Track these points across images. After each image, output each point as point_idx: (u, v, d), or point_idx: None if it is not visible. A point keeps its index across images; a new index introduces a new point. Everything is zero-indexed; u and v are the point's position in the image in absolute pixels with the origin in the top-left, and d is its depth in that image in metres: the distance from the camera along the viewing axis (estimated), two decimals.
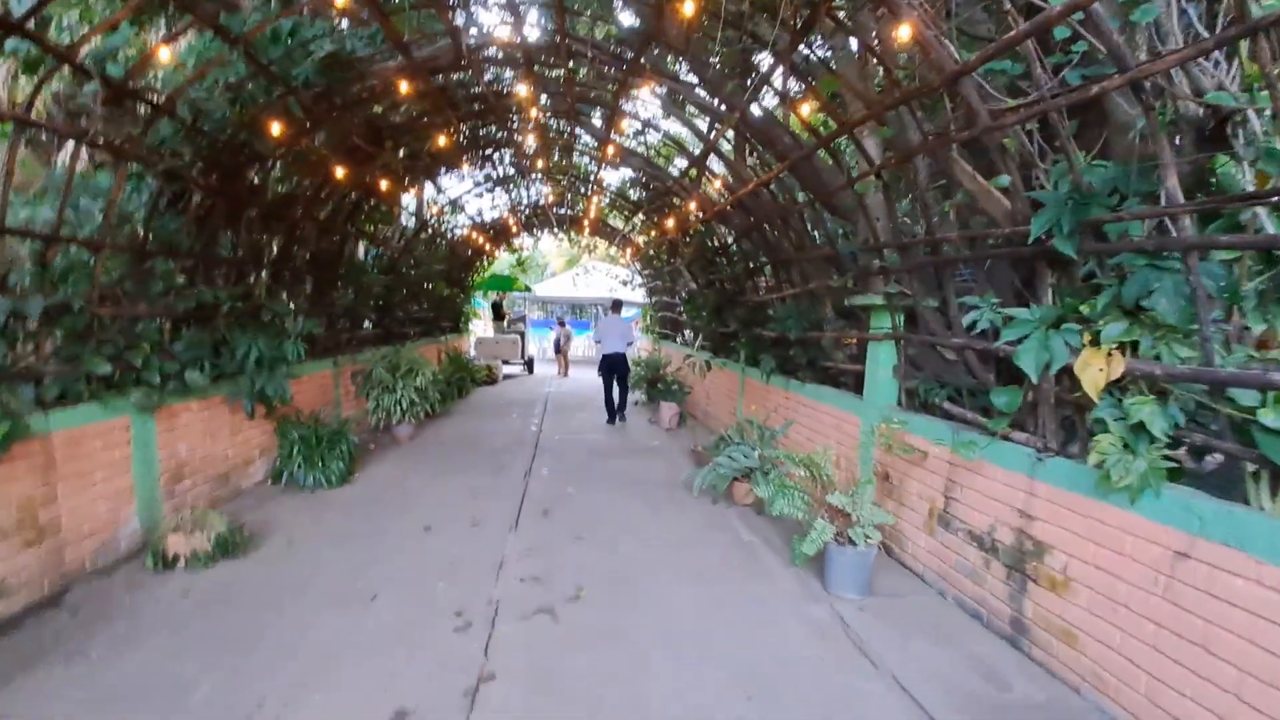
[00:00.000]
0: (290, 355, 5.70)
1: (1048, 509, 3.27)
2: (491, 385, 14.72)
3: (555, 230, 16.10)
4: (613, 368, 9.83)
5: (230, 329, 5.54)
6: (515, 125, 7.64)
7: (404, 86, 5.20)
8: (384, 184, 7.54)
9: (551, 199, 12.49)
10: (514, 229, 14.96)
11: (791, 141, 5.67)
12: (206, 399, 5.38)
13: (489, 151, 8.86)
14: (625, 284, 16.53)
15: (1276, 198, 2.42)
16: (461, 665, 3.18)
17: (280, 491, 5.99)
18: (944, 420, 4.17)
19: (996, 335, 3.38)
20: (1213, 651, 2.41)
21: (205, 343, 5.21)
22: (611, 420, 10.04)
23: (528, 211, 13.94)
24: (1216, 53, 2.76)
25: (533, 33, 5.90)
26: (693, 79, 6.60)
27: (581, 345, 20.99)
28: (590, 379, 15.57)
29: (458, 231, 13.02)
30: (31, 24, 3.27)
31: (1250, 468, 2.43)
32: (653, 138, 9.51)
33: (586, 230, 15.12)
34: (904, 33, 3.04)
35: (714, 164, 7.53)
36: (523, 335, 17.54)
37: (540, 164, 8.87)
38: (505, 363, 16.48)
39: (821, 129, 5.29)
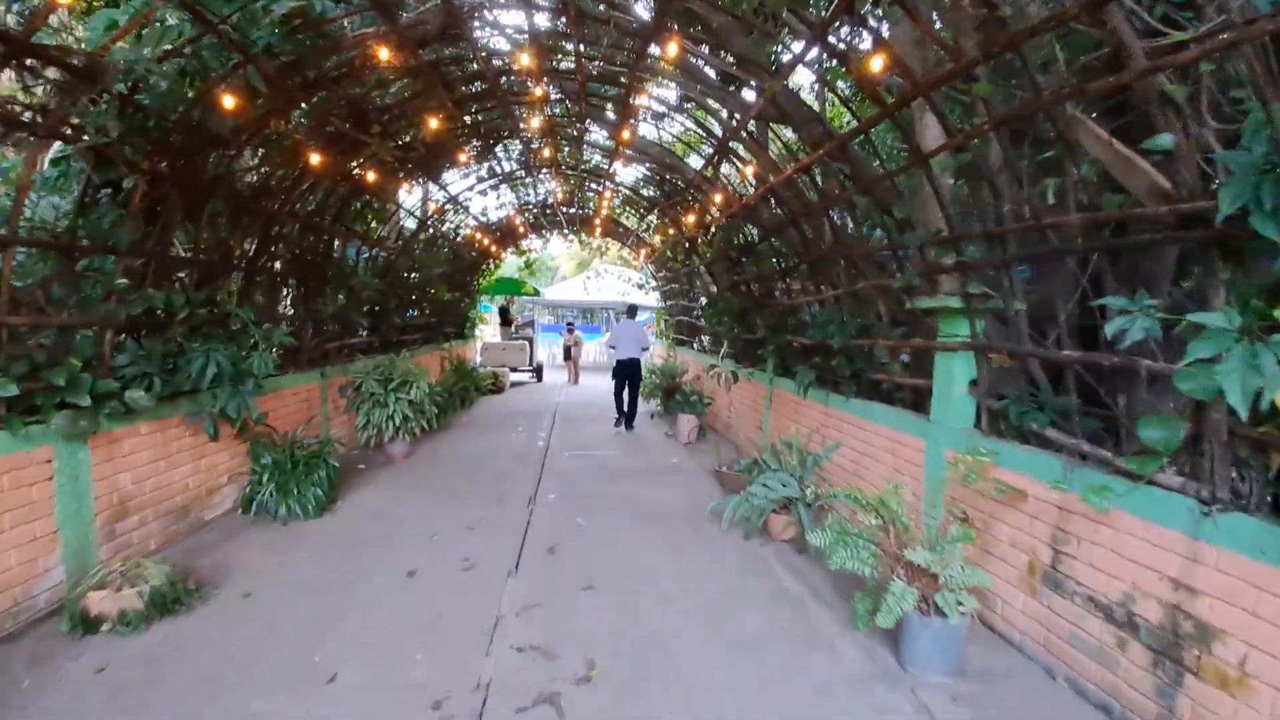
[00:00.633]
0: (257, 369, 4.95)
1: (1219, 581, 2.43)
2: (498, 394, 13.98)
3: (565, 231, 15.37)
4: (627, 374, 9.73)
5: (189, 339, 4.82)
6: (520, 111, 6.88)
7: (385, 54, 4.44)
8: (375, 177, 6.82)
9: (561, 197, 11.73)
10: (521, 230, 14.23)
11: (822, 130, 4.89)
12: (160, 420, 4.64)
13: (491, 142, 8.08)
14: (640, 287, 15.74)
15: None
16: None
17: (249, 523, 5.24)
18: (1047, 451, 3.33)
19: (1110, 345, 2.57)
20: None
21: (155, 356, 4.47)
22: (619, 424, 9.87)
23: (535, 211, 13.21)
24: None
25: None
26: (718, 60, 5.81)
27: (592, 351, 20.21)
28: (601, 387, 14.83)
29: (461, 232, 12.30)
30: None
31: None
32: (670, 131, 8.74)
33: (598, 231, 14.36)
34: None
35: (736, 160, 6.75)
36: (531, 341, 16.78)
37: (547, 153, 8.05)
38: (513, 370, 15.73)
39: (859, 115, 4.49)
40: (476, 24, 5.37)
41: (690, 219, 8.31)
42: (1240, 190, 2.11)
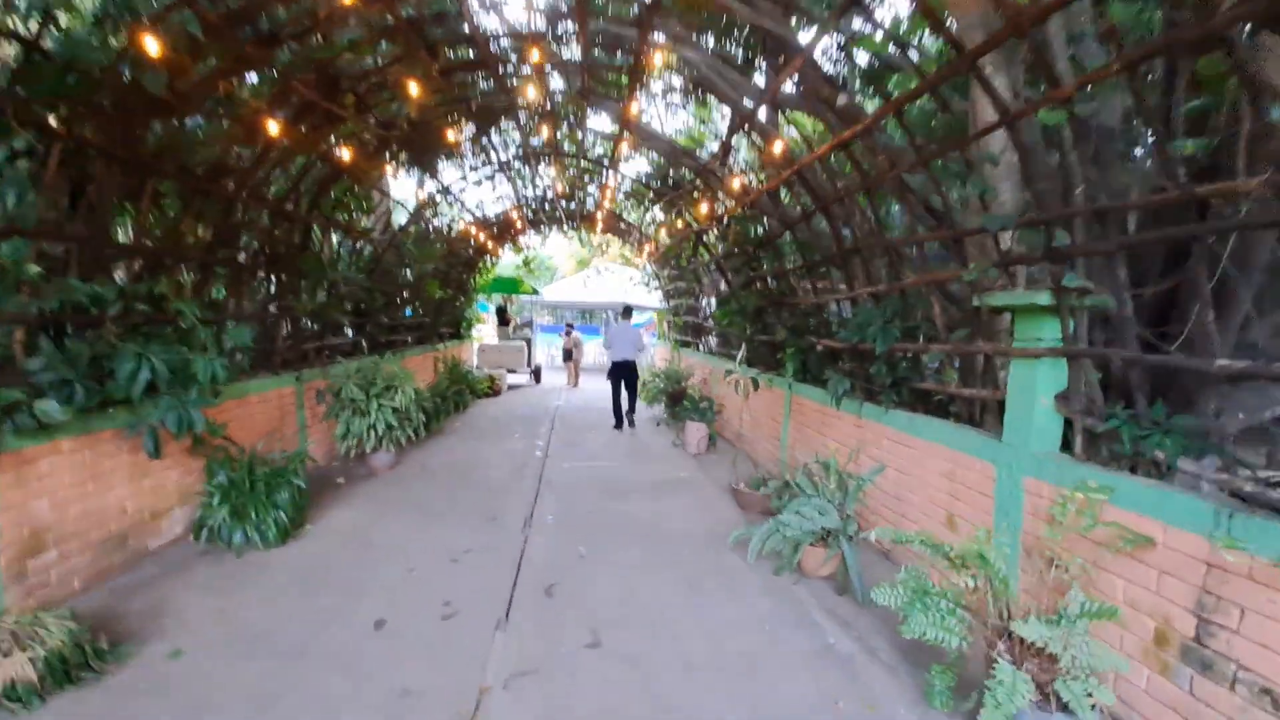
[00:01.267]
0: (202, 374, 4.22)
1: None
2: (495, 397, 13.27)
3: (564, 228, 14.64)
4: (623, 375, 9.73)
5: (127, 340, 4.10)
6: (516, 82, 6.15)
7: (351, 0, 3.73)
8: (353, 158, 6.09)
9: (561, 189, 11.01)
10: (520, 225, 13.50)
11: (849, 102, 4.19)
12: (88, 435, 3.93)
13: (485, 124, 7.33)
14: (644, 285, 15.02)
15: None
16: None
17: (199, 554, 4.52)
18: (1178, 486, 2.62)
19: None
20: None
21: (80, 359, 3.75)
22: (619, 426, 9.83)
23: (534, 206, 12.48)
24: None
25: None
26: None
27: (592, 352, 19.46)
28: (602, 391, 14.10)
29: (455, 226, 11.57)
30: None
31: None
32: (678, 124, 8.05)
33: (599, 227, 13.62)
34: None
35: (756, 141, 6.03)
36: (529, 342, 16.05)
37: (546, 133, 7.20)
38: (510, 372, 15.01)
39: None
40: None
41: (701, 210, 7.59)
42: None
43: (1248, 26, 2.01)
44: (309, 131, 5.38)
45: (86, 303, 3.77)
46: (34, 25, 3.27)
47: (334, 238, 7.68)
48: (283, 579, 4.17)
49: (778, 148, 4.91)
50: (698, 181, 7.42)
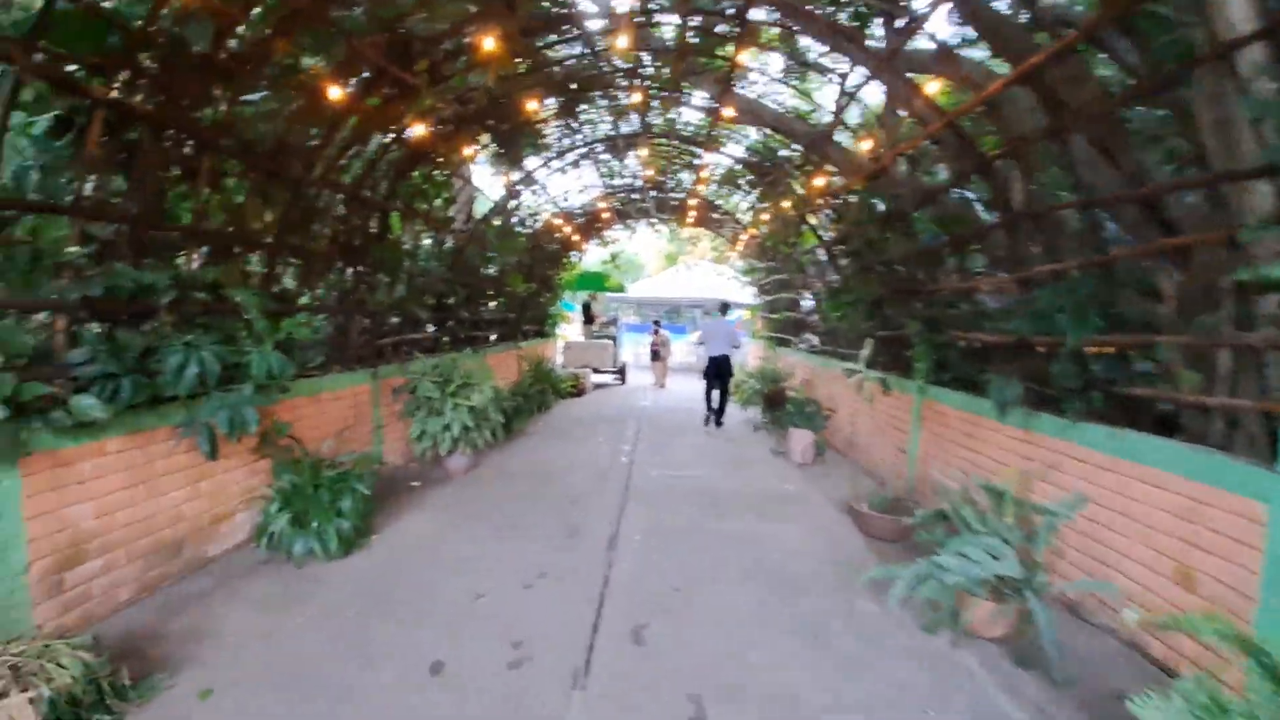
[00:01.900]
0: (257, 369, 3.80)
1: None
2: (578, 397, 12.78)
3: (653, 219, 13.97)
4: (718, 371, 9.44)
5: (185, 331, 3.74)
6: (604, 47, 5.45)
7: None
8: (429, 137, 5.63)
9: (651, 175, 10.29)
10: (606, 217, 12.95)
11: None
12: (139, 433, 3.59)
13: (573, 96, 6.63)
14: (737, 279, 14.09)
15: None
16: None
17: (258, 563, 4.13)
18: None
19: None
20: None
21: (132, 351, 3.40)
22: (709, 421, 9.63)
23: (622, 195, 11.88)
24: None
25: None
26: None
27: (678, 352, 18.66)
28: (691, 392, 13.30)
29: (539, 217, 11.15)
30: None
31: None
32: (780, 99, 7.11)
33: (690, 219, 12.81)
34: None
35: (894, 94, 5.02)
36: (615, 340, 15.49)
37: (638, 96, 6.34)
38: (595, 371, 14.50)
39: None
40: None
41: (814, 184, 6.60)
42: None
43: None
44: (380, 106, 4.94)
45: (133, 290, 3.41)
46: None
47: (414, 227, 7.32)
48: (339, 597, 3.68)
49: (933, 87, 3.91)
50: (812, 155, 6.44)
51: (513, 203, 9.71)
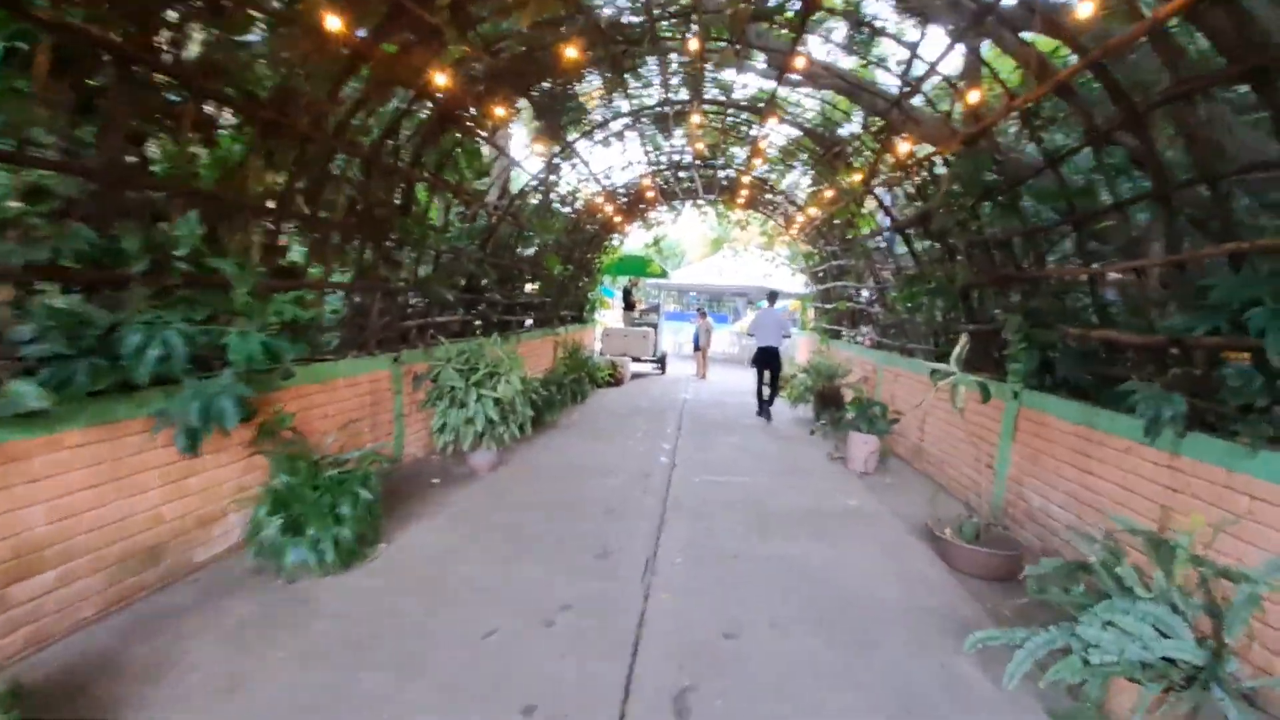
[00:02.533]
0: (236, 353, 3.24)
1: None
2: (617, 386, 12.15)
3: (700, 200, 13.12)
4: (767, 361, 9.30)
5: (167, 308, 3.21)
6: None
7: None
8: (459, 94, 4.99)
9: (700, 149, 9.48)
10: (651, 197, 12.18)
11: None
12: (105, 424, 3.08)
13: (623, 50, 5.82)
14: (788, 267, 13.18)
15: None
16: None
17: (245, 575, 3.62)
18: None
19: None
20: None
21: (93, 329, 2.88)
22: (761, 412, 9.37)
23: (669, 173, 11.09)
24: None
25: None
26: None
27: (720, 342, 17.82)
28: (733, 384, 12.53)
29: (579, 196, 10.48)
30: None
31: None
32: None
33: (741, 199, 11.93)
34: None
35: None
36: (655, 328, 14.79)
37: (694, 45, 5.47)
38: (634, 360, 13.84)
39: None
40: None
41: (899, 150, 5.71)
42: None
43: None
44: (400, 55, 4.32)
45: (92, 255, 2.88)
46: None
47: (442, 201, 6.74)
48: (327, 626, 3.12)
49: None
50: (891, 118, 5.55)
51: (552, 178, 9.05)
